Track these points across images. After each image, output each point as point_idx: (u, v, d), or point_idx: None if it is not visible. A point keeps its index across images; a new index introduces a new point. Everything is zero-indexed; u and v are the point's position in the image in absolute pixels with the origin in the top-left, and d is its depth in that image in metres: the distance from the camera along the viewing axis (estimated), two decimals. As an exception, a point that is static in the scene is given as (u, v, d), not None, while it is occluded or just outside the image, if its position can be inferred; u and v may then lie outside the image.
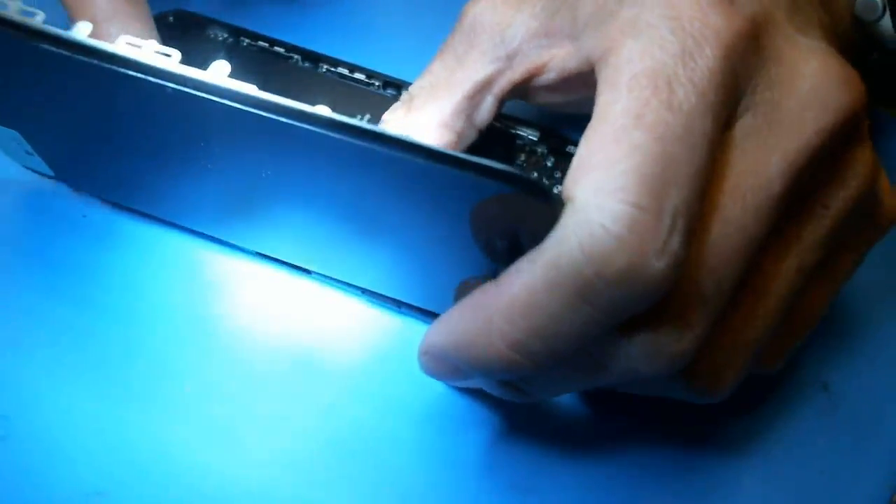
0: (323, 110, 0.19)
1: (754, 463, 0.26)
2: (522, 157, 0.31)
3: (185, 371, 0.26)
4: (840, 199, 0.23)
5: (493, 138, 0.31)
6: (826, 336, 0.29)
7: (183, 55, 0.32)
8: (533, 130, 0.31)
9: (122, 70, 0.20)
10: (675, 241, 0.20)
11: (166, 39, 0.32)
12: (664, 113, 0.20)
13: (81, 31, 0.21)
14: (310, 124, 0.19)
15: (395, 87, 0.31)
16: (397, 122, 0.27)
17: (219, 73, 0.21)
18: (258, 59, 0.32)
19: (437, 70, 0.26)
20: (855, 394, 0.28)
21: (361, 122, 0.19)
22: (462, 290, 0.23)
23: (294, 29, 0.34)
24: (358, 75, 0.32)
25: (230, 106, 0.20)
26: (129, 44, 0.21)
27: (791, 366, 0.28)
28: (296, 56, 0.33)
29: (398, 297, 0.28)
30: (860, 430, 0.27)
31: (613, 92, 0.21)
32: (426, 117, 0.26)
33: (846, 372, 0.28)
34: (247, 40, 0.33)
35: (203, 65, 0.31)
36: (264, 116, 0.20)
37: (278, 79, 0.32)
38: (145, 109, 0.23)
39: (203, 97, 0.20)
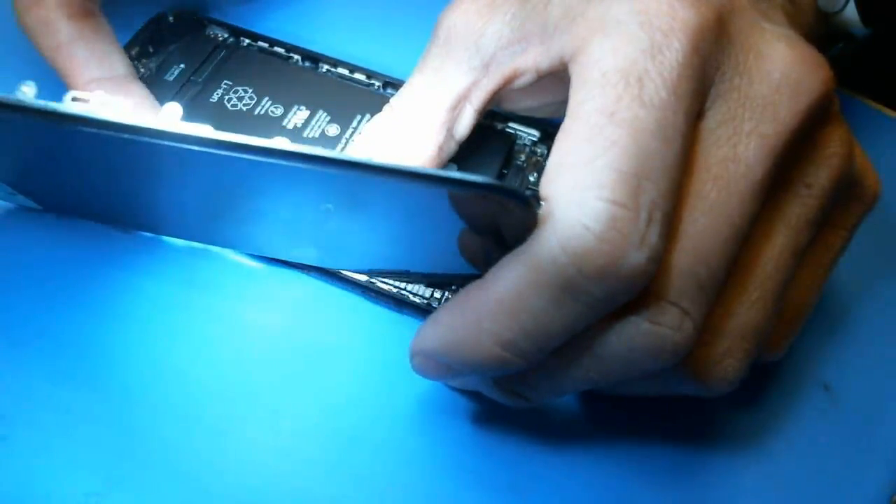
0: (282, 143, 0.19)
1: (754, 462, 0.26)
2: (522, 157, 0.31)
3: (184, 370, 0.26)
4: (822, 177, 0.23)
5: (493, 139, 0.31)
6: (827, 336, 0.29)
7: (183, 55, 0.32)
8: (533, 130, 0.31)
9: (73, 126, 0.20)
10: (653, 234, 0.20)
11: (166, 39, 0.33)
12: (636, 109, 0.21)
13: (26, 93, 0.21)
14: (272, 158, 0.19)
15: (395, 88, 0.31)
16: (379, 135, 0.27)
17: (170, 118, 0.21)
18: (258, 60, 0.32)
19: (417, 83, 0.27)
20: (856, 394, 0.28)
21: (321, 151, 0.19)
22: (464, 238, 0.23)
23: (294, 29, 0.34)
24: (358, 75, 0.32)
25: (188, 149, 0.20)
26: (76, 99, 0.21)
27: (792, 365, 0.28)
28: (296, 56, 0.33)
29: (398, 269, 0.28)
30: (861, 430, 0.27)
31: (585, 89, 0.21)
32: (408, 131, 0.27)
33: (847, 372, 0.28)
34: (247, 40, 0.33)
35: (203, 65, 0.32)
36: (224, 155, 0.20)
37: (278, 79, 0.32)
38: (112, 154, 0.23)
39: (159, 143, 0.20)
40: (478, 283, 0.22)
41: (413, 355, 0.24)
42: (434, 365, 0.23)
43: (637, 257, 0.20)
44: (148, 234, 0.29)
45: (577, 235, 0.20)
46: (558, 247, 0.20)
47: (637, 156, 0.20)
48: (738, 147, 0.22)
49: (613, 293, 0.20)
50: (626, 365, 0.22)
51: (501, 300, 0.21)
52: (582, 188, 0.20)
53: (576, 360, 0.22)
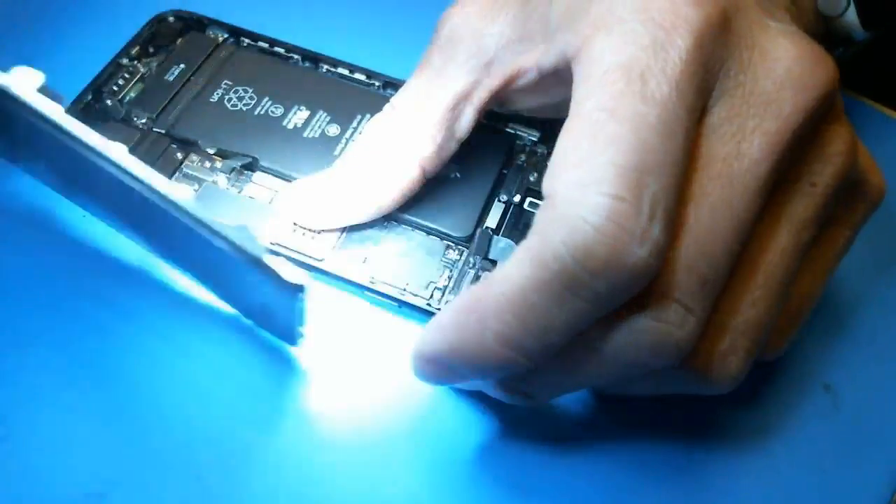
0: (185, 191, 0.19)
1: (755, 462, 0.26)
2: (522, 157, 0.31)
3: (184, 371, 0.26)
4: (826, 175, 0.23)
5: (493, 139, 0.31)
6: (828, 336, 0.29)
7: (183, 55, 0.32)
8: (533, 131, 0.31)
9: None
10: (656, 229, 0.20)
11: (166, 39, 0.33)
12: (638, 105, 0.21)
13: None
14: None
15: (395, 88, 0.31)
16: (380, 134, 0.27)
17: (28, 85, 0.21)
18: (258, 60, 0.32)
19: (418, 83, 0.27)
20: (857, 394, 0.28)
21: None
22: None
23: (294, 29, 0.34)
24: (358, 75, 0.32)
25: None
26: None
27: (793, 366, 0.28)
28: (296, 56, 0.33)
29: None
30: (862, 430, 0.27)
31: (588, 87, 0.21)
32: (408, 130, 0.27)
33: (848, 372, 0.28)
34: (247, 40, 0.33)
35: (203, 65, 0.32)
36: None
37: (278, 79, 0.32)
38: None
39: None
40: (481, 282, 0.22)
41: (414, 359, 0.23)
42: (435, 369, 0.23)
43: (639, 252, 0.20)
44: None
45: (579, 231, 0.20)
46: (561, 243, 0.20)
47: (639, 151, 0.20)
48: (743, 144, 0.22)
49: (617, 288, 0.20)
50: (629, 362, 0.22)
51: (505, 299, 0.21)
52: (584, 184, 0.20)
53: (579, 357, 0.22)
